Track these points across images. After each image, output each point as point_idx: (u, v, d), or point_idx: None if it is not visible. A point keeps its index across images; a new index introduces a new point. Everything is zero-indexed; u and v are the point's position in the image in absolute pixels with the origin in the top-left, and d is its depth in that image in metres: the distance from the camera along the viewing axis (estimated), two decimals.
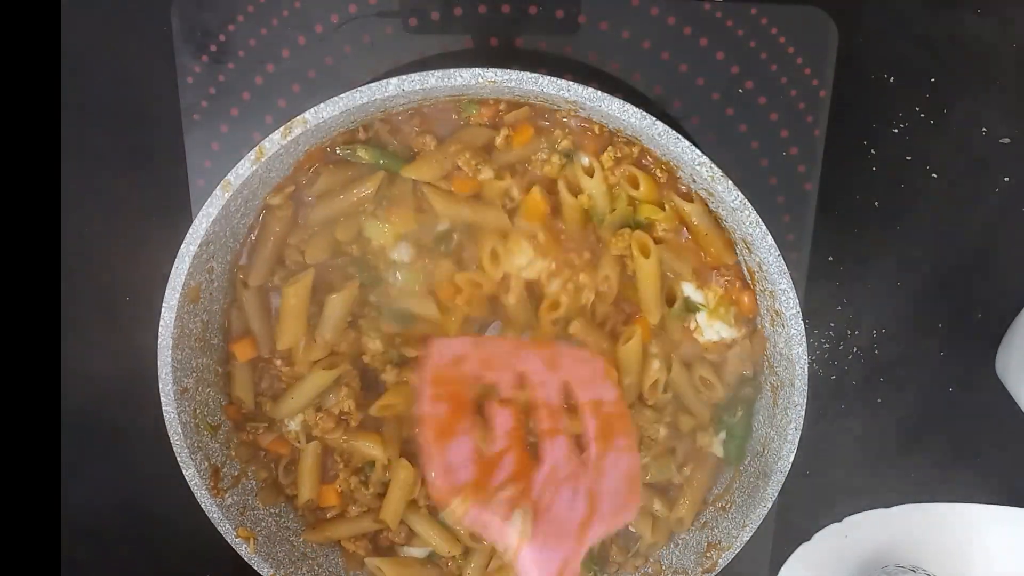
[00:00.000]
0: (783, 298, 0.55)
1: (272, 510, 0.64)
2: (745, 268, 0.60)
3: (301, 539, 0.65)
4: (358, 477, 0.63)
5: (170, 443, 0.58)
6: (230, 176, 0.53)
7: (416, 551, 0.65)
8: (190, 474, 0.59)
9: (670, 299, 0.61)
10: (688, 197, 0.58)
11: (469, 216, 0.59)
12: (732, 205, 0.53)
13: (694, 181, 0.56)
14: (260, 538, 0.62)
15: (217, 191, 0.54)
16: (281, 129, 0.53)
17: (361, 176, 0.58)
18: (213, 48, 0.64)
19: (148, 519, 0.72)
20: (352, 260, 0.60)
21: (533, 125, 0.59)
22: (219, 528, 0.60)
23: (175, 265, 0.55)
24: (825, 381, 0.71)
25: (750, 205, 0.54)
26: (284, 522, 0.65)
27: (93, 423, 0.70)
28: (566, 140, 0.58)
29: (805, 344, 0.55)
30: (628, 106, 0.52)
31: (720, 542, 0.61)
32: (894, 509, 0.71)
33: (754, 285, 0.59)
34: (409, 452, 0.63)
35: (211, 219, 0.54)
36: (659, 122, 0.53)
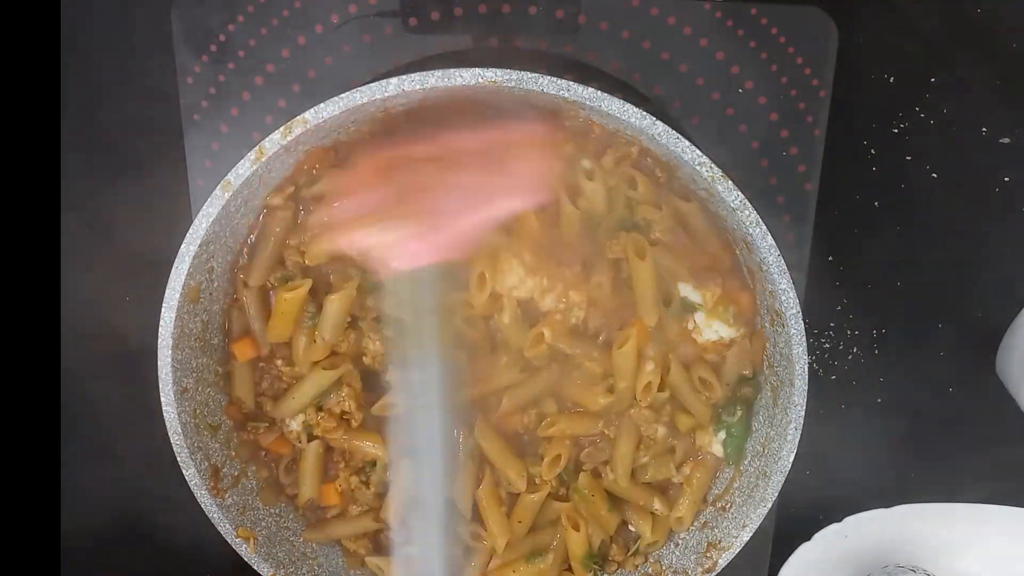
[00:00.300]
0: (783, 298, 0.55)
1: (272, 510, 0.64)
2: (744, 268, 0.60)
3: (301, 539, 0.65)
4: (359, 477, 0.63)
5: (170, 443, 0.58)
6: (230, 176, 0.53)
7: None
8: (190, 474, 0.59)
9: (667, 300, 0.60)
10: (685, 197, 0.58)
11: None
12: (732, 205, 0.53)
13: (694, 181, 0.56)
14: (260, 538, 0.62)
15: (217, 191, 0.54)
16: (281, 129, 0.53)
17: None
18: (213, 48, 0.64)
19: (148, 519, 0.71)
20: (352, 262, 0.60)
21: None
22: (219, 528, 0.60)
23: (175, 265, 0.55)
24: (825, 381, 0.71)
25: (750, 205, 0.54)
26: (284, 522, 0.65)
27: (93, 423, 0.70)
28: (568, 144, 0.58)
29: (805, 344, 0.55)
30: (628, 106, 0.52)
31: (720, 542, 0.61)
32: (894, 509, 0.71)
33: (753, 285, 0.59)
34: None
35: (211, 219, 0.54)
36: (659, 122, 0.53)
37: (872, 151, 0.67)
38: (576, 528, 0.63)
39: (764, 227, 0.54)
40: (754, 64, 0.65)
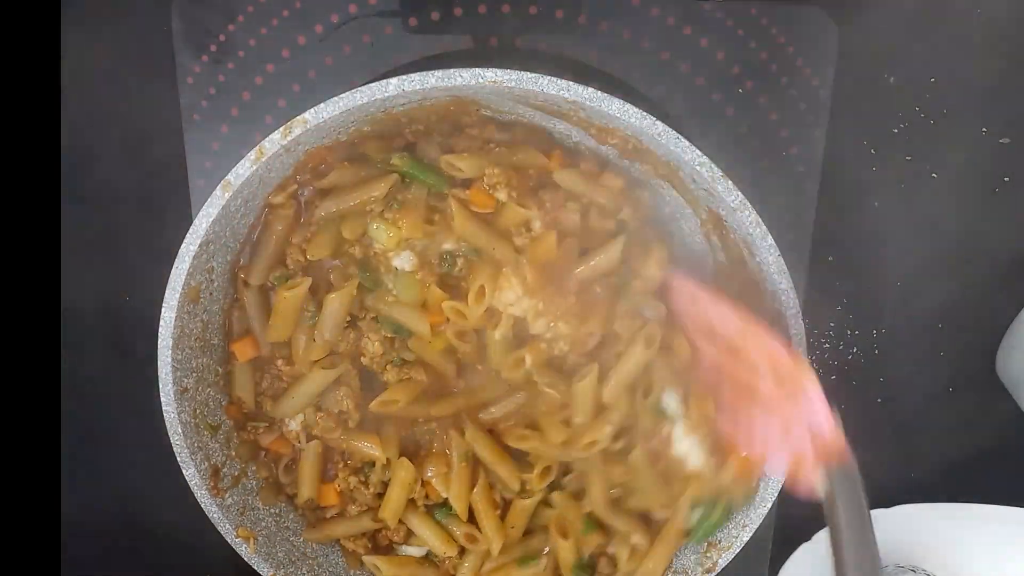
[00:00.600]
0: (783, 298, 0.55)
1: (272, 510, 0.64)
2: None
3: (301, 539, 0.65)
4: (358, 477, 0.64)
5: (170, 443, 0.58)
6: (230, 176, 0.53)
7: (413, 550, 0.65)
8: (190, 474, 0.59)
9: (646, 391, 0.59)
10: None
11: (481, 241, 0.58)
12: (732, 205, 0.53)
13: (694, 181, 0.56)
14: (260, 538, 0.62)
15: (217, 191, 0.54)
16: (281, 129, 0.53)
17: (374, 176, 0.58)
18: (213, 48, 0.64)
19: (148, 519, 0.71)
20: (353, 260, 0.60)
21: (626, 179, 0.59)
22: (219, 528, 0.60)
23: (175, 265, 0.55)
24: (825, 381, 0.71)
25: (750, 205, 0.54)
26: (284, 522, 0.65)
27: (93, 423, 0.70)
28: (628, 209, 0.59)
29: (805, 344, 0.55)
30: (628, 106, 0.52)
31: (720, 542, 0.61)
32: (894, 509, 0.71)
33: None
34: (408, 451, 0.63)
35: (211, 219, 0.54)
36: (659, 122, 0.53)
37: (872, 151, 0.67)
38: (565, 537, 0.63)
39: (764, 227, 0.54)
40: (754, 64, 0.65)
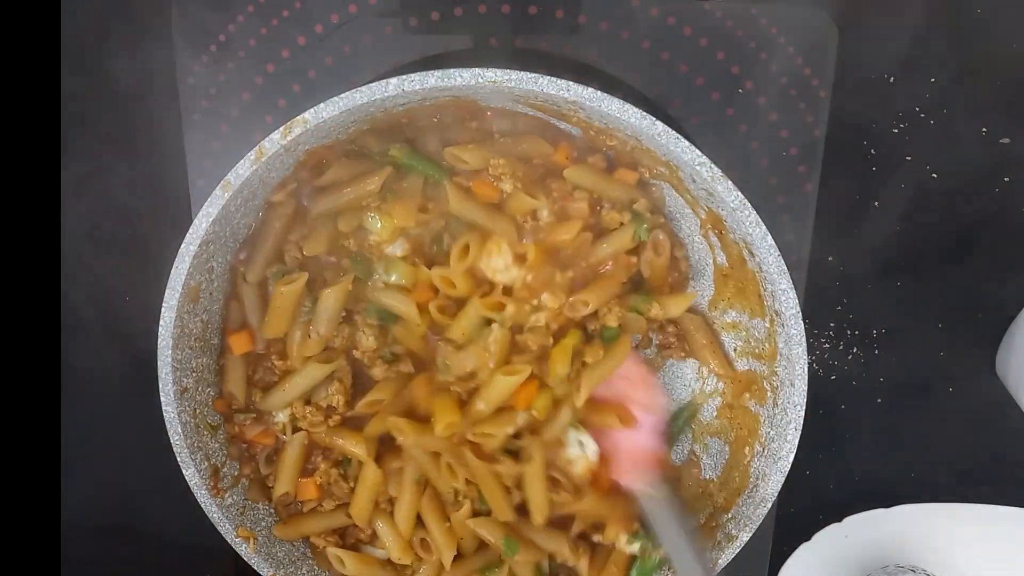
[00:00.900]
0: (783, 298, 0.55)
1: (272, 510, 0.64)
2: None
3: (301, 539, 0.65)
4: (338, 469, 0.63)
5: (170, 443, 0.58)
6: (230, 176, 0.53)
7: (379, 552, 0.65)
8: (190, 474, 0.59)
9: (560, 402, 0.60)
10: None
11: (478, 217, 0.58)
12: (732, 205, 0.53)
13: (694, 181, 0.56)
14: (260, 538, 0.62)
15: (217, 191, 0.54)
16: (281, 129, 0.53)
17: (369, 170, 0.58)
18: (213, 48, 0.64)
19: (148, 519, 0.72)
20: (348, 254, 0.60)
21: (639, 174, 0.60)
22: (219, 528, 0.60)
23: (175, 265, 0.55)
24: (825, 381, 0.71)
25: (750, 205, 0.54)
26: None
27: (93, 423, 0.70)
28: (643, 200, 0.60)
29: (805, 344, 0.55)
30: (628, 106, 0.52)
31: (720, 542, 0.61)
32: (894, 509, 0.71)
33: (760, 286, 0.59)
34: (383, 451, 0.62)
35: (211, 219, 0.54)
36: (659, 122, 0.53)
37: (872, 151, 0.67)
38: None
39: (764, 227, 0.54)
40: (754, 64, 0.65)
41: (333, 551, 0.63)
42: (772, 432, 0.59)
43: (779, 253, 0.54)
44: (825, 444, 0.71)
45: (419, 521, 0.63)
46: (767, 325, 0.59)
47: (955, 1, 0.65)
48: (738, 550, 0.60)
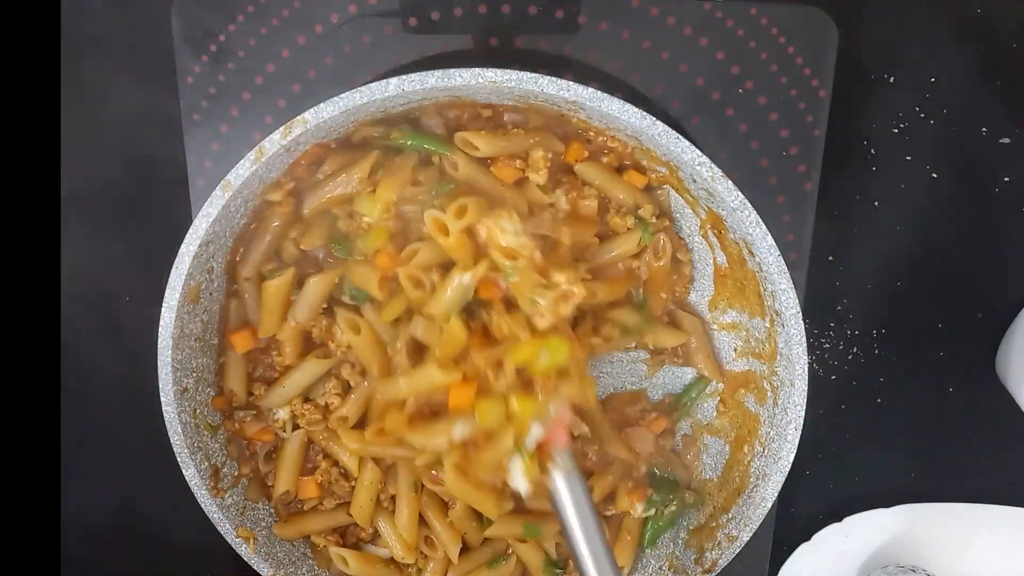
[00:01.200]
0: (783, 298, 0.55)
1: (272, 509, 0.64)
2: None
3: (301, 539, 0.65)
4: (339, 468, 0.63)
5: (170, 443, 0.58)
6: (230, 176, 0.53)
7: (381, 551, 0.65)
8: (190, 474, 0.59)
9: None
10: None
11: (492, 188, 0.56)
12: (732, 205, 0.53)
13: (694, 181, 0.56)
14: (260, 538, 0.62)
15: (217, 191, 0.54)
16: (281, 129, 0.53)
17: (361, 158, 0.57)
18: (213, 48, 0.64)
19: (148, 519, 0.71)
20: (337, 240, 0.59)
21: (647, 178, 0.60)
22: (219, 528, 0.60)
23: (175, 265, 0.55)
24: (825, 381, 0.71)
25: (750, 205, 0.54)
26: None
27: (93, 423, 0.70)
28: (649, 206, 0.60)
29: (805, 344, 0.55)
30: (628, 106, 0.52)
31: (720, 542, 0.61)
32: (894, 509, 0.71)
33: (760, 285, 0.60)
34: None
35: (211, 219, 0.54)
36: (659, 122, 0.53)
37: (872, 151, 0.67)
38: (523, 540, 0.63)
39: (764, 227, 0.54)
40: (754, 64, 0.65)
41: (336, 550, 0.63)
42: (772, 432, 0.59)
43: (779, 253, 0.54)
44: (825, 444, 0.71)
45: (421, 518, 0.63)
46: (767, 325, 0.59)
47: (955, 1, 0.65)
48: (738, 550, 0.60)
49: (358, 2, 0.64)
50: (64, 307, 0.67)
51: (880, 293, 0.69)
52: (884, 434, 0.72)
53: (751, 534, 0.60)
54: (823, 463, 0.71)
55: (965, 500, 0.71)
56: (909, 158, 0.67)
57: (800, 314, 0.55)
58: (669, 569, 0.64)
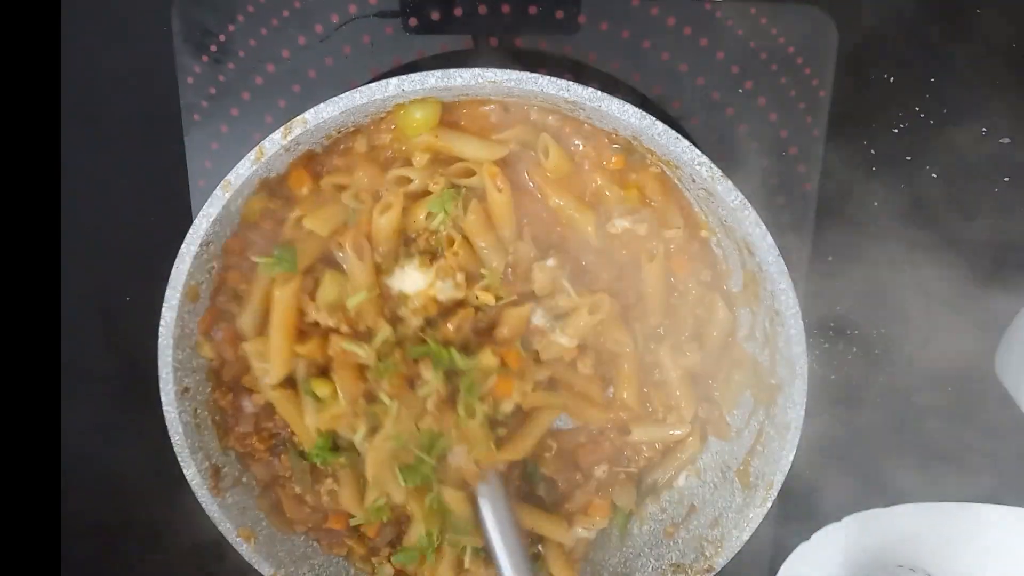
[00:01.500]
0: (783, 298, 0.55)
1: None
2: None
3: (302, 538, 0.65)
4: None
5: (171, 443, 0.58)
6: (230, 176, 0.53)
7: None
8: (191, 474, 0.59)
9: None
10: None
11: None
12: (732, 205, 0.53)
13: (693, 181, 0.56)
14: (261, 538, 0.62)
15: (217, 191, 0.54)
16: (281, 129, 0.53)
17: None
18: (213, 48, 0.64)
19: (148, 519, 0.72)
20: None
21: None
22: (220, 528, 0.60)
23: (175, 265, 0.55)
24: (825, 381, 0.71)
25: (750, 205, 0.54)
26: None
27: (93, 423, 0.70)
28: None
29: (805, 344, 0.55)
30: (628, 106, 0.52)
31: (720, 541, 0.61)
32: (894, 509, 0.71)
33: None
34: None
35: (211, 219, 0.54)
36: (659, 122, 0.53)
37: (872, 151, 0.67)
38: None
39: (764, 227, 0.54)
40: (754, 64, 0.65)
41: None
42: (772, 432, 0.59)
43: (779, 253, 0.54)
44: (825, 444, 0.71)
45: None
46: (767, 325, 0.59)
47: (955, 1, 0.65)
48: (738, 550, 0.60)
49: (358, 2, 0.64)
50: (64, 307, 0.67)
51: (880, 293, 0.69)
52: (884, 434, 0.72)
53: (750, 534, 0.60)
54: (823, 463, 0.71)
55: (965, 500, 0.71)
56: (909, 158, 0.67)
57: (800, 314, 0.55)
58: (669, 569, 0.64)
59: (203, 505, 0.60)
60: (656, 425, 0.64)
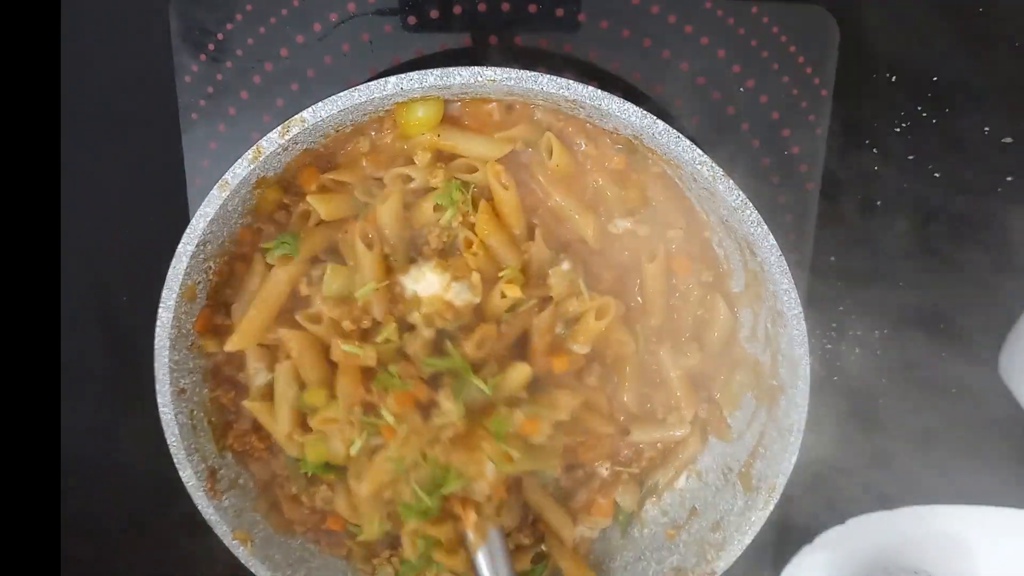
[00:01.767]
0: (785, 298, 0.54)
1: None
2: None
3: (299, 541, 0.65)
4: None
5: (167, 444, 0.58)
6: (227, 175, 0.53)
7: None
8: (187, 475, 0.59)
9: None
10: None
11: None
12: (733, 205, 0.53)
13: (695, 180, 0.56)
14: (257, 540, 0.61)
15: (214, 191, 0.53)
16: (279, 128, 0.52)
17: None
18: (211, 47, 0.64)
19: (148, 520, 0.71)
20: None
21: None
22: (216, 530, 0.60)
23: (172, 265, 0.55)
24: (827, 381, 0.71)
25: (751, 205, 0.53)
26: None
27: (93, 423, 0.70)
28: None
29: (807, 344, 0.55)
30: (628, 105, 0.52)
31: (723, 543, 0.61)
32: (896, 511, 0.70)
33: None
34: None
35: (208, 219, 0.54)
36: (659, 121, 0.52)
37: (874, 150, 0.67)
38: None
39: (765, 227, 0.53)
40: (755, 63, 0.64)
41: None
42: (774, 433, 0.59)
43: (781, 253, 0.54)
44: (827, 445, 0.71)
45: None
46: (769, 326, 0.59)
47: (957, 0, 0.64)
48: (740, 553, 0.60)
49: (357, 1, 0.63)
50: (63, 307, 0.67)
51: (882, 293, 0.69)
52: (887, 436, 0.71)
53: (753, 536, 0.59)
54: (826, 465, 0.71)
55: (968, 502, 0.71)
56: (911, 157, 0.67)
57: (802, 314, 0.55)
58: (670, 572, 0.64)
59: (199, 507, 0.60)
60: (656, 425, 0.64)
